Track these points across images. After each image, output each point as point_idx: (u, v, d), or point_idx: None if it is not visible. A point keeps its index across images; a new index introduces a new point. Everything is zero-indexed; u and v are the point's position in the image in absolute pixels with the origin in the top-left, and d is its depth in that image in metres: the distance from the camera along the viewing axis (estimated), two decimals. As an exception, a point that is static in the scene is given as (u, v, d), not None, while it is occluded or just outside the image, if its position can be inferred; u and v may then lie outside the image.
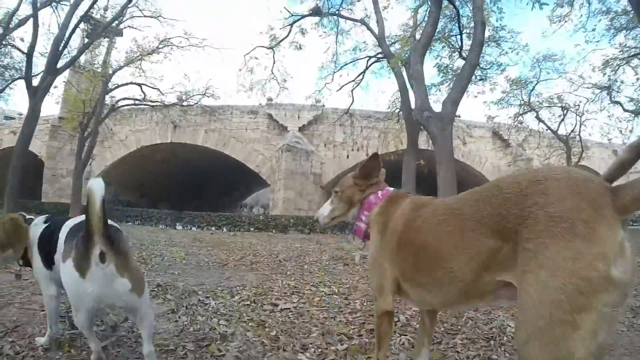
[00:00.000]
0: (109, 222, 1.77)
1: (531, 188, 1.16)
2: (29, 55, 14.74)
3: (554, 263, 1.04)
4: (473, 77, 13.56)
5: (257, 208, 40.19)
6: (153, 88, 20.20)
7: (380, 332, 1.73)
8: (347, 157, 20.81)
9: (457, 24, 14.64)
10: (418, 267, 1.51)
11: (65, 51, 15.95)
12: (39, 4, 14.96)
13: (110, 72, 19.86)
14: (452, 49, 16.15)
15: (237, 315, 2.92)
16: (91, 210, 1.65)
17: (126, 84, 20.29)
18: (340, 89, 17.16)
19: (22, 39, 18.71)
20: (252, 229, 14.71)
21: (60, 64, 15.26)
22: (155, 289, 3.56)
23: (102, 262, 1.68)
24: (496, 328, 2.70)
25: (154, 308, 2.97)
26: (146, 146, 23.47)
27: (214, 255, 6.55)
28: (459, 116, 17.87)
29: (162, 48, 19.70)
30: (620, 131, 18.41)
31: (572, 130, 20.11)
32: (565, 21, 15.40)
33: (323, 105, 21.21)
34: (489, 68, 16.35)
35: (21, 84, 20.82)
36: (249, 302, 3.33)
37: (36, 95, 14.26)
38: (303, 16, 16.19)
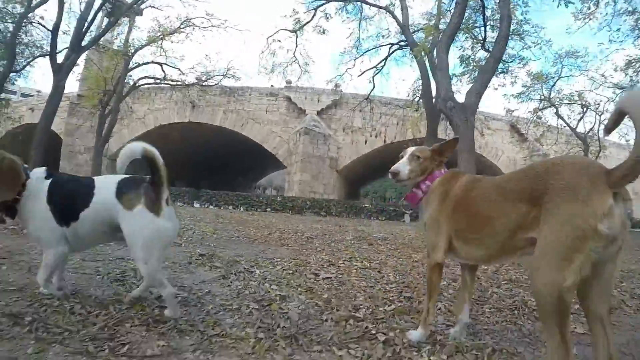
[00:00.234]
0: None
1: (552, 169, 1.60)
2: (54, 32, 14.93)
3: (562, 217, 1.46)
4: (494, 69, 13.59)
5: (270, 189, 40.66)
6: (174, 67, 20.46)
7: (432, 282, 2.09)
8: (365, 142, 20.94)
9: (481, 15, 14.60)
10: (470, 228, 1.91)
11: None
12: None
13: (132, 50, 20.06)
14: (475, 40, 16.11)
15: (285, 282, 3.13)
16: (159, 167, 2.13)
17: (147, 62, 20.54)
18: (361, 74, 17.25)
19: (42, 17, 18.97)
20: (268, 209, 15.01)
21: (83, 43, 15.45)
22: (200, 258, 3.79)
23: (168, 205, 2.17)
24: (518, 301, 2.98)
25: (202, 275, 3.22)
26: (164, 125, 23.82)
27: (241, 231, 6.78)
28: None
29: (183, 28, 19.84)
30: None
31: (591, 129, 20.08)
32: (590, 19, 15.19)
33: (341, 90, 21.28)
34: (511, 61, 16.26)
35: (40, 61, 21.15)
36: (291, 272, 3.54)
37: (60, 72, 14.47)
38: (328, 0, 16.19)
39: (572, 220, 1.43)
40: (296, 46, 17.28)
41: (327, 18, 16.54)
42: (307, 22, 16.51)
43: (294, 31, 16.82)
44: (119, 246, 3.66)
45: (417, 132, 16.76)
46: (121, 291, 2.54)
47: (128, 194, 2.14)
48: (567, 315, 1.44)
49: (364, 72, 17.26)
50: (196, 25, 19.90)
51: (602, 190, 1.42)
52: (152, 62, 20.40)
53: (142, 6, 19.35)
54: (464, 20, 14.29)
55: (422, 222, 2.30)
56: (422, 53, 13.08)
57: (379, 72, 17.24)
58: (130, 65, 20.06)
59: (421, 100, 15.66)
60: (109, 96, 19.78)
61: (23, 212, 2.20)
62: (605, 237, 1.39)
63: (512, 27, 13.89)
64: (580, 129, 20.07)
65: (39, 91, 31.39)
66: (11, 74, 19.30)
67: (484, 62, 15.86)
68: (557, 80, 18.98)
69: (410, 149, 2.31)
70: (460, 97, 11.26)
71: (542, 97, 19.19)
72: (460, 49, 16.02)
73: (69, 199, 2.22)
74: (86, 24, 15.43)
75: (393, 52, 16.90)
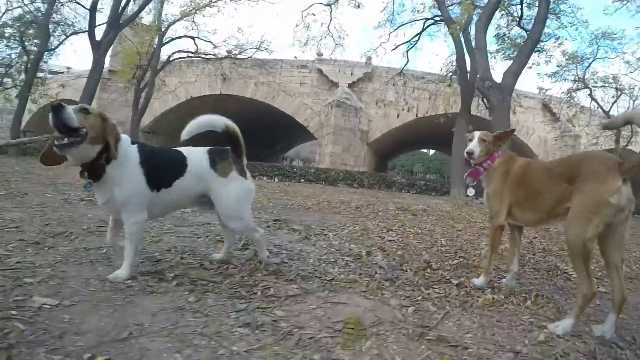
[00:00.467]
0: None
1: (583, 160, 2.24)
2: (92, 11, 15.42)
3: (587, 192, 2.09)
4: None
5: (297, 161, 41.30)
6: (206, 41, 20.83)
7: (494, 241, 2.70)
8: (398, 116, 21.11)
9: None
10: (526, 198, 2.53)
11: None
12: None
13: (165, 25, 20.44)
14: (511, 18, 16.03)
15: (359, 242, 3.61)
16: (240, 141, 2.48)
17: (180, 37, 20.93)
18: (395, 48, 17.40)
19: None
20: (302, 180, 15.50)
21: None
22: (276, 223, 4.22)
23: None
24: (551, 265, 3.59)
25: (286, 237, 3.65)
26: (195, 97, 24.29)
27: (291, 200, 7.25)
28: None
29: (215, 2, 20.09)
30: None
31: (625, 113, 19.72)
32: (628, 0, 14.97)
33: (373, 64, 21.35)
34: (546, 40, 16.15)
35: (71, 39, 21.66)
36: (359, 234, 4.01)
37: (100, 48, 15.01)
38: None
39: (593, 194, 2.05)
40: (330, 20, 17.55)
41: (362, -9, 16.62)
42: (342, -5, 16.65)
43: (329, 5, 16.98)
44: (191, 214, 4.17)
45: (449, 107, 16.88)
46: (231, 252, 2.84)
47: (221, 163, 2.40)
48: (589, 257, 2.06)
49: (398, 46, 17.45)
50: (228, -1, 20.20)
51: (614, 175, 2.03)
52: (185, 36, 20.87)
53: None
54: (500, -2, 14.29)
55: (485, 194, 2.80)
56: (458, 30, 13.13)
57: (412, 46, 17.36)
58: (164, 40, 20.54)
59: (454, 76, 15.78)
60: (143, 71, 20.35)
61: (112, 174, 2.13)
62: (615, 207, 2.01)
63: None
64: (614, 112, 19.80)
65: (68, 68, 31.98)
66: (45, 52, 19.96)
67: (517, 39, 15.91)
68: (592, 61, 18.80)
69: (477, 133, 2.80)
70: (495, 75, 11.41)
71: (577, 77, 19.01)
72: (496, 27, 15.96)
73: (162, 166, 2.32)
74: (123, 1, 15.85)
75: (427, 27, 16.96)
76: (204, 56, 21.33)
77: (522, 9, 14.76)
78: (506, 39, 15.84)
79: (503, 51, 16.45)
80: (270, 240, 3.36)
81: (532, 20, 15.14)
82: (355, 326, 1.70)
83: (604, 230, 2.05)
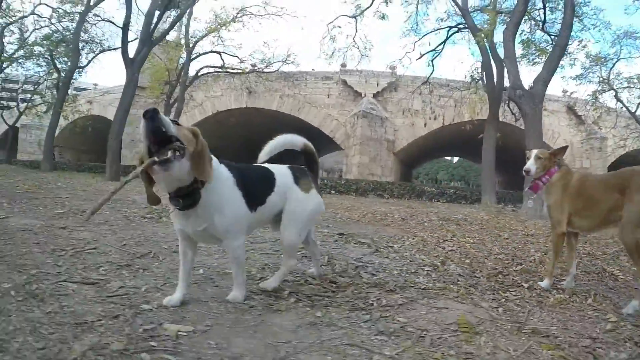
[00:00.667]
0: None
1: (633, 173, 2.62)
2: (125, 28, 15.96)
3: (636, 202, 2.50)
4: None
5: (321, 172, 41.64)
6: (232, 56, 21.41)
7: (556, 247, 3.04)
8: (425, 125, 21.30)
9: (541, -2, 14.63)
10: (584, 207, 2.88)
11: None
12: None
13: (193, 41, 21.12)
14: (534, 22, 16.17)
15: (426, 253, 3.92)
16: (317, 160, 2.62)
17: (207, 52, 21.59)
18: (420, 57, 17.59)
19: (95, 15, 20.41)
20: (333, 191, 15.80)
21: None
22: (341, 236, 4.46)
23: None
24: (599, 268, 3.90)
25: (356, 250, 3.87)
26: (221, 111, 24.83)
27: (336, 212, 7.43)
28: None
29: (240, 17, 20.69)
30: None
31: (652, 114, 19.64)
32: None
33: (397, 73, 21.55)
34: (570, 44, 16.22)
35: (100, 56, 22.56)
36: (421, 246, 4.31)
37: (133, 65, 15.46)
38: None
39: (639, 202, 2.50)
40: (356, 31, 17.90)
41: (387, 3, 16.97)
42: (367, 8, 17.03)
43: (354, 17, 17.35)
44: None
45: (475, 114, 17.01)
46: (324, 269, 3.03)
47: (303, 180, 2.43)
48: None
49: (423, 55, 17.64)
50: (252, 14, 20.82)
51: None
52: (212, 51, 21.54)
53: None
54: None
55: (546, 205, 3.14)
56: (485, 39, 13.31)
57: (438, 55, 17.61)
58: (192, 56, 21.21)
59: (480, 82, 15.96)
60: (172, 86, 21.00)
61: (209, 199, 1.96)
62: None
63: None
64: (640, 113, 19.74)
65: (95, 84, 33.10)
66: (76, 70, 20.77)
67: (542, 44, 16.03)
68: (617, 62, 18.77)
69: (534, 151, 3.15)
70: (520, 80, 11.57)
71: (601, 79, 18.97)
72: (520, 33, 16.09)
73: (257, 184, 2.26)
74: (155, 19, 16.47)
75: (451, 34, 17.19)
76: (231, 71, 21.93)
77: (545, 12, 14.93)
78: (531, 44, 15.93)
79: (527, 57, 16.57)
80: (345, 254, 3.61)
81: (554, 23, 15.39)
82: (467, 326, 2.00)
83: None
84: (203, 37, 21.07)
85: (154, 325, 1.76)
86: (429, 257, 3.70)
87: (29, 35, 22.63)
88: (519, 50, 15.40)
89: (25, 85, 32.55)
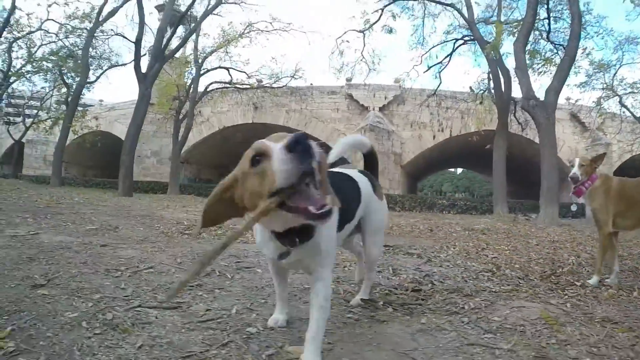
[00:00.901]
0: None
1: None
2: (137, 43, 16.17)
3: None
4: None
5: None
6: (240, 71, 21.63)
7: (604, 247, 3.29)
8: (433, 137, 21.54)
9: (545, 7, 14.96)
10: (626, 208, 3.20)
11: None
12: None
13: (202, 57, 21.40)
14: (537, 32, 16.48)
15: (474, 260, 4.09)
16: (378, 164, 2.38)
17: (215, 68, 21.79)
18: (427, 70, 17.89)
19: (102, 31, 20.72)
20: (345, 204, 15.91)
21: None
22: (389, 248, 4.55)
23: None
24: (631, 267, 4.15)
25: (409, 260, 3.94)
26: (228, 127, 25.07)
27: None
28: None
29: (247, 33, 20.97)
30: None
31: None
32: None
33: (402, 86, 21.83)
34: (574, 52, 16.55)
35: (108, 72, 22.91)
36: (465, 255, 4.46)
37: (145, 81, 15.64)
38: (394, 0, 16.93)
39: None
40: (364, 46, 18.16)
41: (394, 17, 17.38)
42: (375, 22, 17.35)
43: (362, 31, 17.67)
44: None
45: (482, 125, 17.25)
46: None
47: (377, 186, 2.18)
48: None
49: (430, 67, 17.95)
50: (260, 30, 21.11)
51: None
52: (220, 67, 21.79)
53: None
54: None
55: (589, 209, 3.42)
56: (492, 52, 13.56)
57: (444, 67, 17.92)
58: (201, 71, 21.50)
59: (488, 93, 16.22)
60: (181, 102, 21.27)
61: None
62: None
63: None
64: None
65: (101, 100, 33.34)
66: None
67: (546, 53, 16.33)
68: (619, 68, 19.08)
69: (577, 159, 3.44)
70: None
71: (605, 85, 19.27)
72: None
73: (347, 197, 1.84)
74: (167, 35, 16.76)
75: (458, 47, 17.54)
76: (240, 86, 22.20)
77: (549, 23, 15.25)
78: (536, 54, 16.23)
79: (532, 67, 16.86)
80: (402, 264, 3.71)
81: (558, 32, 15.72)
82: (551, 319, 2.20)
83: None
84: (211, 52, 21.36)
85: (274, 349, 1.66)
86: (480, 264, 3.88)
87: (36, 51, 22.93)
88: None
89: (31, 101, 32.84)
